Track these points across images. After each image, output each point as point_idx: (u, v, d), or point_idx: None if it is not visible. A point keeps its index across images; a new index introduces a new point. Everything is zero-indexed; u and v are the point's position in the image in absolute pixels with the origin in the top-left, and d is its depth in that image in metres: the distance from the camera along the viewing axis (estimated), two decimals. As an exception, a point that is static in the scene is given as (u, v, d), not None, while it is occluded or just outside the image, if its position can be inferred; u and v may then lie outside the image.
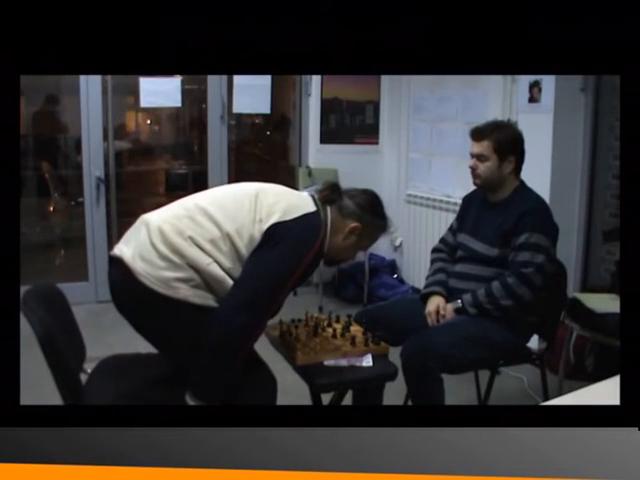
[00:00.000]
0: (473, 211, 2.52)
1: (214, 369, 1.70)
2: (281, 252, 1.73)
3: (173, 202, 1.89)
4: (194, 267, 1.71)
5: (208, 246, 1.72)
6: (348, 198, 1.91)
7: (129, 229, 1.88)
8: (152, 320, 1.78)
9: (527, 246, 2.26)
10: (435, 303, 2.38)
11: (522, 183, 2.42)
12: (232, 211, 1.77)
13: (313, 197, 1.90)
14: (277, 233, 1.73)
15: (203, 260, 1.72)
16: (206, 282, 1.73)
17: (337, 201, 1.90)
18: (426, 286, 2.50)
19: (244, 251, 1.74)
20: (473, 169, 2.38)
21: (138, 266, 1.72)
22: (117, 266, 1.78)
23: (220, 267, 1.72)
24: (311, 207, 1.84)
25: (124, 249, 1.78)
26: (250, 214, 1.76)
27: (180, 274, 1.71)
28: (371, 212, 1.93)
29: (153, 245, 1.73)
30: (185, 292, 1.71)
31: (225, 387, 1.72)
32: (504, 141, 2.33)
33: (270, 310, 1.77)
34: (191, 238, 1.72)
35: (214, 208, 1.78)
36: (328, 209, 1.88)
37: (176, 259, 1.71)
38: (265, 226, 1.74)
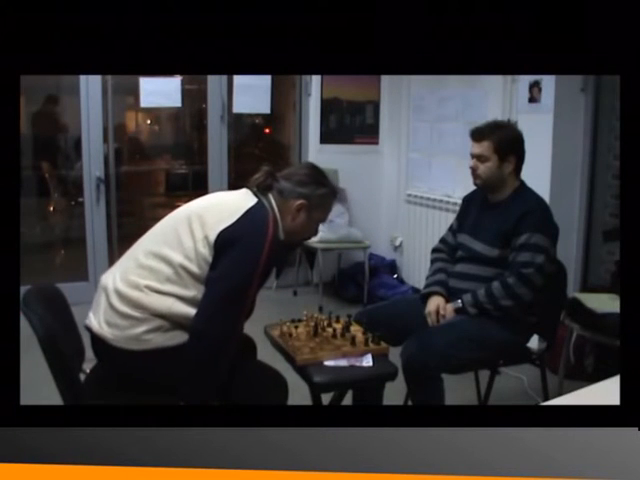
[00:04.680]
0: (473, 211, 2.52)
1: (201, 380, 1.73)
2: (236, 255, 1.72)
3: (122, 255, 1.90)
4: (159, 315, 1.73)
5: (166, 287, 1.74)
6: (284, 180, 1.90)
7: (95, 296, 1.88)
8: (139, 375, 1.79)
9: (527, 246, 2.26)
10: (435, 303, 2.38)
11: (522, 183, 2.42)
12: (174, 241, 1.77)
13: (253, 190, 1.88)
14: (225, 240, 1.73)
15: (165, 304, 1.73)
16: (175, 322, 1.74)
17: (275, 186, 1.89)
18: (426, 286, 2.50)
19: (200, 272, 1.74)
20: (473, 170, 2.38)
21: (106, 332, 1.76)
22: (91, 336, 1.83)
23: (183, 302, 1.73)
24: (251, 201, 1.83)
25: (92, 319, 1.82)
26: (193, 234, 1.75)
27: (148, 326, 1.73)
28: (311, 185, 1.91)
29: (113, 308, 1.76)
30: (157, 340, 1.74)
31: (215, 391, 1.76)
32: (504, 141, 2.33)
33: (243, 311, 1.77)
34: (148, 287, 1.74)
35: (158, 246, 1.79)
36: (270, 196, 1.87)
37: (139, 314, 1.73)
38: (212, 239, 1.73)
